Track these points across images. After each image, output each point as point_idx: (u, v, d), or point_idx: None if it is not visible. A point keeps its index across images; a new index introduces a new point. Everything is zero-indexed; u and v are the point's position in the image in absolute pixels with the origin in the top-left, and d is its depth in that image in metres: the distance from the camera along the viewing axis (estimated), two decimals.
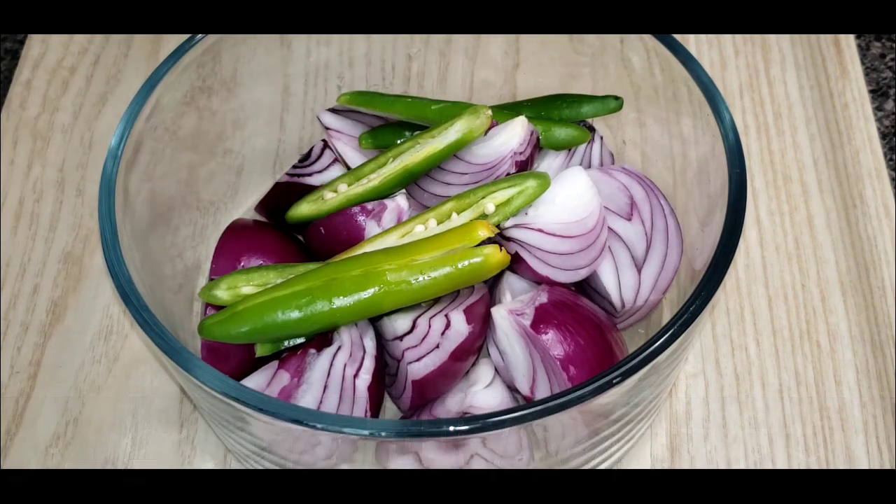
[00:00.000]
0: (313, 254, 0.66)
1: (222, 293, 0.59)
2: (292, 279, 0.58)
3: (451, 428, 0.48)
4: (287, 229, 0.67)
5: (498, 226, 0.60)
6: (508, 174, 0.62)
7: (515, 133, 0.63)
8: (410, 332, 0.58)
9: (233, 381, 0.50)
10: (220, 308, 0.59)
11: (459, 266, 0.56)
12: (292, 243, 0.66)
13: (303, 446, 0.55)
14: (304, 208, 0.65)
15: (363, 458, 0.57)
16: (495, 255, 0.56)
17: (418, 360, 0.57)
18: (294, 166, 0.69)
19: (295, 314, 0.56)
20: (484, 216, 0.60)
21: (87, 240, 0.74)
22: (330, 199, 0.65)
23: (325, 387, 0.56)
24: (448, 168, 0.64)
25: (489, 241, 0.57)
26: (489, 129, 0.63)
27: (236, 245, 0.64)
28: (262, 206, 0.70)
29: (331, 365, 0.57)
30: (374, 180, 0.64)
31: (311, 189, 0.67)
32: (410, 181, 0.64)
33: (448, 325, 0.57)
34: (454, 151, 0.63)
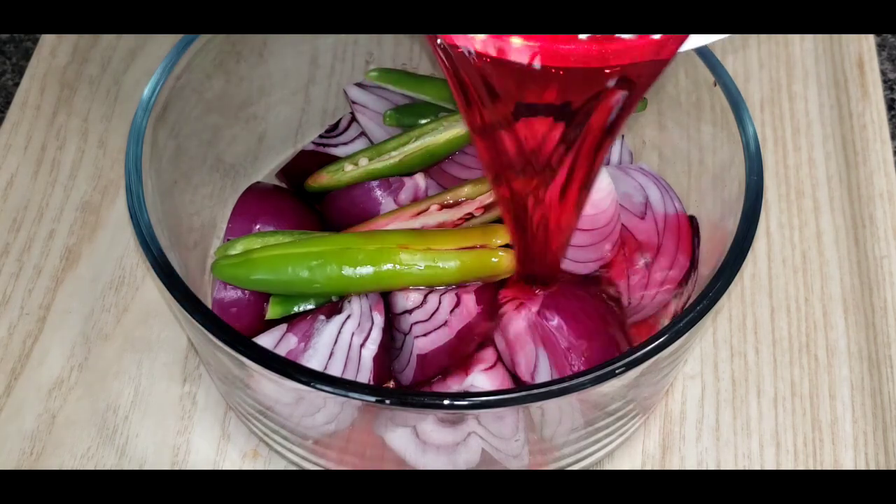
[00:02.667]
0: (329, 224, 0.66)
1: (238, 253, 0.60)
2: (309, 241, 0.59)
3: (455, 402, 0.49)
4: (305, 197, 0.68)
5: None
6: None
7: None
8: (420, 306, 0.58)
9: (244, 335, 0.51)
10: None
11: (473, 263, 0.58)
12: (309, 211, 0.67)
13: (305, 409, 0.56)
14: (323, 178, 0.66)
15: (362, 427, 0.57)
16: (508, 260, 0.58)
17: (425, 335, 0.58)
18: (321, 136, 0.70)
19: (306, 273, 0.57)
20: None
21: (106, 191, 0.75)
22: (350, 172, 0.66)
23: (332, 353, 0.57)
24: (470, 152, 0.65)
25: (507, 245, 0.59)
26: None
27: (254, 207, 0.65)
28: (284, 172, 0.71)
29: (339, 332, 0.58)
30: (395, 157, 0.65)
31: (334, 159, 0.68)
32: (431, 162, 0.65)
33: (458, 304, 0.58)
34: None
